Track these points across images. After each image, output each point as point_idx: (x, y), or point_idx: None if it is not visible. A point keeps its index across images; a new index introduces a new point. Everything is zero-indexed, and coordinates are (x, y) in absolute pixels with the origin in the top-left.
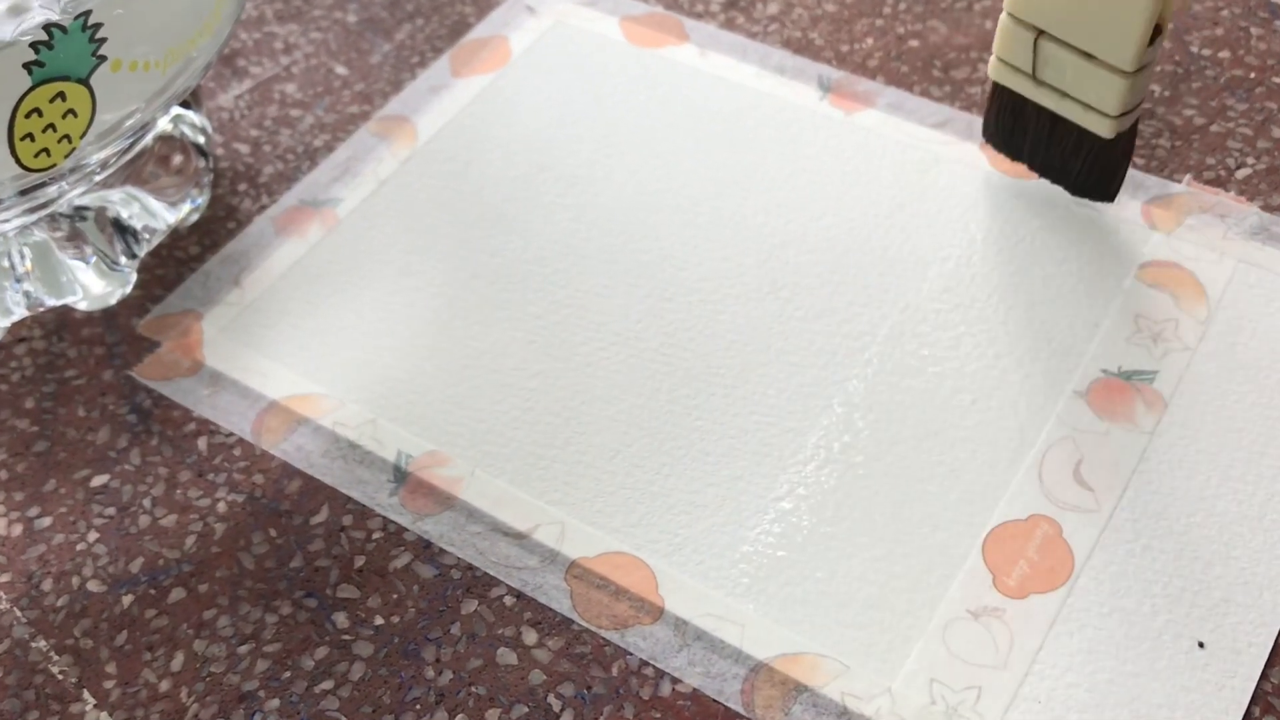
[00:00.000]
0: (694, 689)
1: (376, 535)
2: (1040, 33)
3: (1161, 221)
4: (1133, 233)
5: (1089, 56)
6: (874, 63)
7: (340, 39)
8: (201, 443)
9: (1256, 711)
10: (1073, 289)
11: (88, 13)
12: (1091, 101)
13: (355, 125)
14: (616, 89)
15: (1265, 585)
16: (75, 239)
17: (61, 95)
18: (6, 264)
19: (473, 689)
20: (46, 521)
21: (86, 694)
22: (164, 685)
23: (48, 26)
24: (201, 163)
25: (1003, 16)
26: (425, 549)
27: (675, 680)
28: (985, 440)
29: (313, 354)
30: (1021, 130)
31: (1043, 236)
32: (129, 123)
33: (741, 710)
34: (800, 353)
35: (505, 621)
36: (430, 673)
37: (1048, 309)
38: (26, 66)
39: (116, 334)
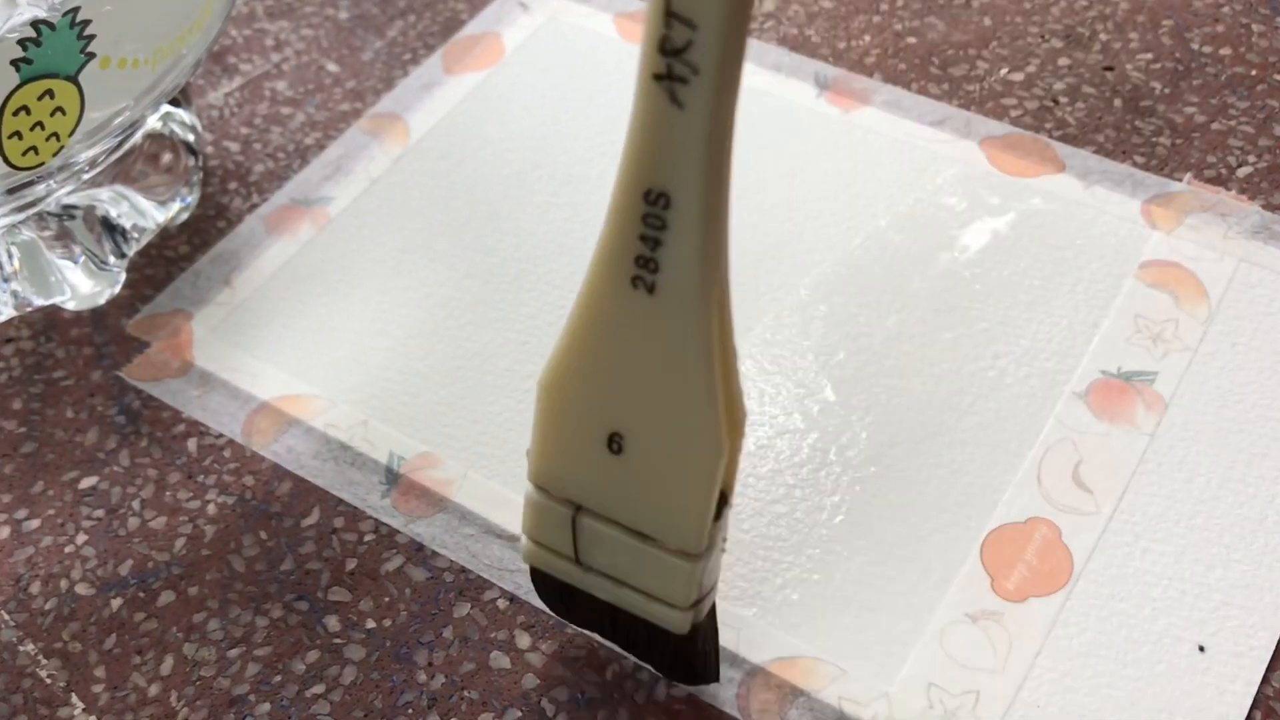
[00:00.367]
0: (689, 693)
1: (368, 538)
2: (579, 508)
3: (1161, 220)
4: (1132, 232)
5: (644, 537)
6: (871, 60)
7: (331, 36)
8: (191, 444)
9: (1258, 716)
10: (1071, 289)
11: (76, 9)
12: (654, 590)
13: (347, 123)
14: (611, 86)
15: (1267, 588)
16: (63, 238)
17: (49, 93)
18: None
19: (465, 693)
20: (34, 524)
21: (75, 698)
22: (153, 689)
23: (35, 23)
24: (191, 161)
25: (527, 487)
26: (417, 551)
27: (670, 685)
28: (983, 442)
29: (304, 354)
30: (581, 618)
31: (1041, 235)
32: (118, 120)
33: (737, 715)
34: (793, 354)
35: (498, 625)
36: (422, 677)
37: (1046, 309)
38: (14, 64)
39: (105, 334)
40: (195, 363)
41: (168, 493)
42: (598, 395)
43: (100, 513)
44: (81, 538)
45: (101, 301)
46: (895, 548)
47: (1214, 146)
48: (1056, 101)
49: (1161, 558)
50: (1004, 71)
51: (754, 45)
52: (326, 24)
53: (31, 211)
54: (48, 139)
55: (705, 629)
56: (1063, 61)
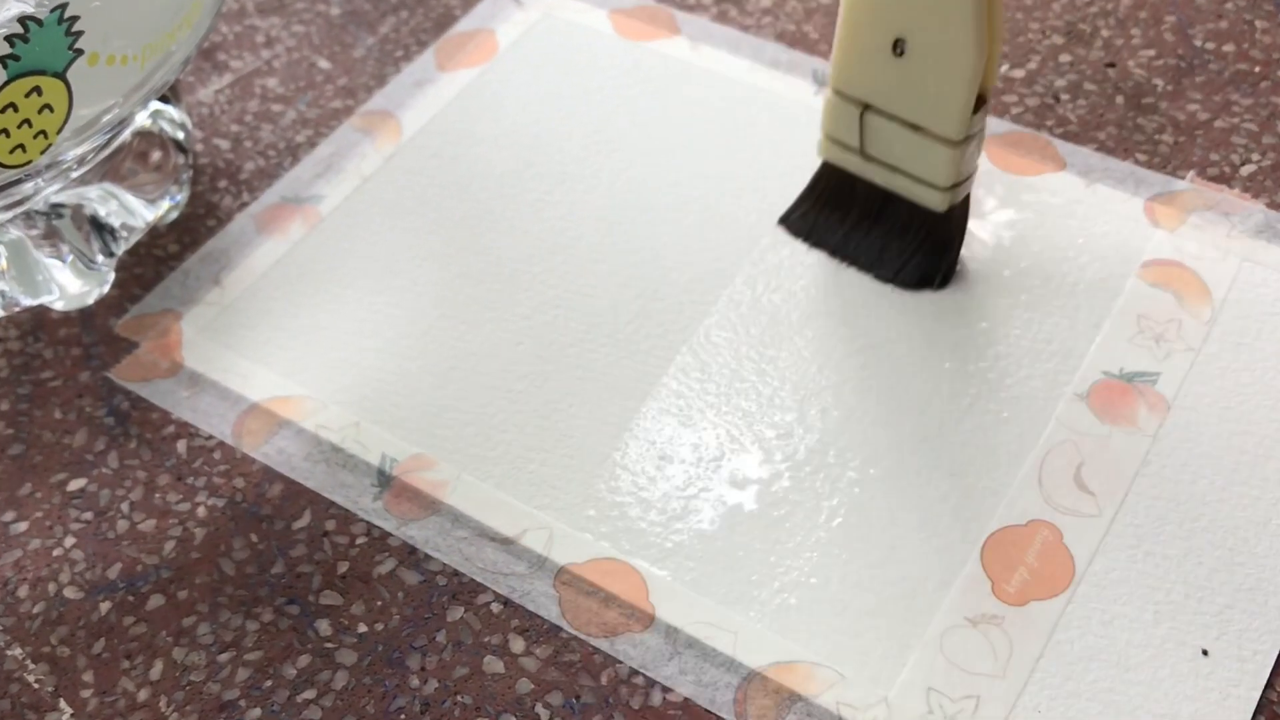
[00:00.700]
0: (685, 698)
1: (360, 540)
2: (866, 107)
3: (1164, 219)
4: (1135, 230)
5: (916, 128)
6: None
7: (323, 32)
8: (181, 446)
9: None
10: (1073, 288)
11: (64, 5)
12: (922, 174)
13: (338, 120)
14: (606, 83)
15: (1271, 592)
16: (51, 237)
17: (37, 90)
18: None
19: (459, 698)
20: (22, 526)
21: (63, 703)
22: (142, 694)
23: (23, 19)
24: (181, 159)
25: (827, 92)
26: (410, 554)
27: (666, 689)
28: (984, 444)
29: (295, 355)
30: (846, 211)
31: (1043, 235)
32: (106, 118)
33: None
34: (794, 355)
35: (492, 629)
36: (415, 681)
37: (1048, 309)
38: (1, 60)
39: (94, 334)
40: (185, 363)
41: (157, 495)
42: (887, 5)
43: (89, 515)
44: (70, 540)
45: (90, 301)
46: (894, 551)
47: (1217, 144)
48: (1058, 99)
49: (1164, 561)
50: (1005, 68)
51: (751, 42)
52: (318, 20)
53: (19, 210)
54: (35, 136)
55: (957, 217)
56: (1064, 58)
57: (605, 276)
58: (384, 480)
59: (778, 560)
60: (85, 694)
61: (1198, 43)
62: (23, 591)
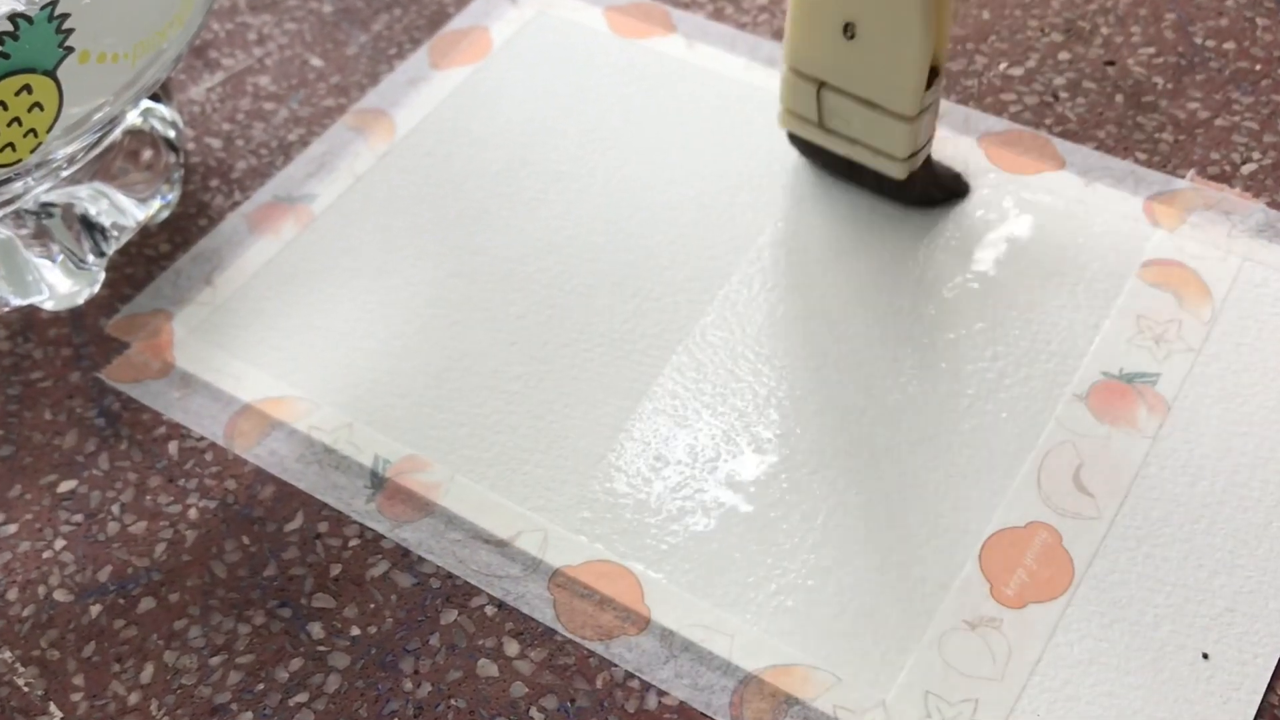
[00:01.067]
0: (681, 702)
1: (353, 543)
2: (822, 84)
3: (1164, 218)
4: (1134, 230)
5: (871, 105)
6: None
7: (315, 30)
8: (172, 447)
9: None
10: (1072, 288)
11: (54, 2)
12: (880, 146)
13: (331, 119)
14: (601, 82)
15: (1272, 595)
16: (41, 236)
17: (27, 88)
18: None
19: (452, 702)
20: (11, 529)
21: (53, 706)
22: (133, 698)
23: (12, 17)
24: (172, 158)
25: (783, 69)
26: (403, 557)
27: (662, 693)
28: (982, 445)
29: (287, 355)
30: (822, 163)
31: (1041, 234)
32: (97, 116)
33: None
34: (790, 354)
35: (486, 632)
36: (408, 685)
37: (1046, 309)
38: None
39: (84, 335)
40: (176, 364)
41: (148, 497)
42: None
43: (79, 517)
44: (60, 543)
45: (80, 301)
46: (892, 553)
47: (1217, 143)
48: (1057, 97)
49: (1164, 563)
50: (1003, 66)
51: (747, 39)
52: (310, 18)
53: (9, 209)
54: (25, 135)
55: (921, 175)
56: (1063, 56)
57: (600, 275)
58: (377, 482)
59: (774, 562)
60: (75, 697)
61: (1198, 40)
62: (12, 594)
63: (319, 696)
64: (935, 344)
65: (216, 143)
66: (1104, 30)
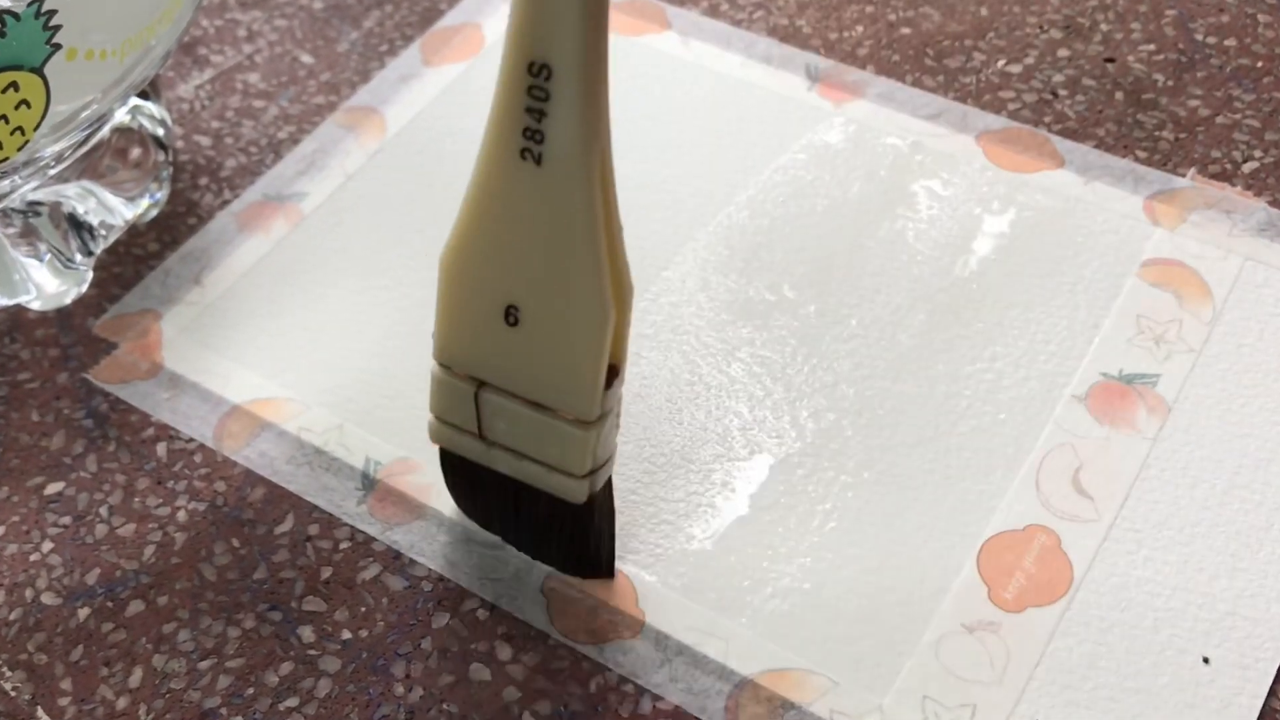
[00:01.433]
0: (676, 706)
1: (344, 545)
2: (481, 384)
3: (1164, 217)
4: (1134, 229)
5: (541, 408)
6: (864, 51)
7: (306, 26)
8: (161, 448)
9: None
10: (1071, 288)
11: None
12: (553, 461)
13: (321, 116)
14: None
15: (1274, 598)
16: (28, 235)
17: (14, 85)
18: None
19: (444, 706)
20: None
21: (41, 711)
22: (121, 702)
23: None
24: (161, 156)
25: (434, 366)
26: (395, 560)
27: (656, 697)
28: (980, 447)
29: (277, 356)
30: (484, 500)
31: (1040, 233)
32: (85, 114)
33: None
34: (786, 355)
35: (478, 636)
36: (400, 689)
37: (1045, 309)
38: None
39: (71, 335)
40: (165, 364)
41: (136, 499)
42: (493, 269)
43: (67, 519)
44: (47, 545)
45: (68, 301)
46: (889, 556)
47: (1219, 141)
48: (1056, 94)
49: (1164, 566)
50: (1001, 63)
51: (743, 36)
52: (300, 14)
53: None
54: (12, 133)
55: (601, 507)
56: (1062, 53)
57: None
58: (368, 484)
59: (770, 565)
60: (63, 702)
61: (1199, 37)
62: None
63: (309, 701)
64: (932, 345)
65: (206, 140)
66: (1103, 27)
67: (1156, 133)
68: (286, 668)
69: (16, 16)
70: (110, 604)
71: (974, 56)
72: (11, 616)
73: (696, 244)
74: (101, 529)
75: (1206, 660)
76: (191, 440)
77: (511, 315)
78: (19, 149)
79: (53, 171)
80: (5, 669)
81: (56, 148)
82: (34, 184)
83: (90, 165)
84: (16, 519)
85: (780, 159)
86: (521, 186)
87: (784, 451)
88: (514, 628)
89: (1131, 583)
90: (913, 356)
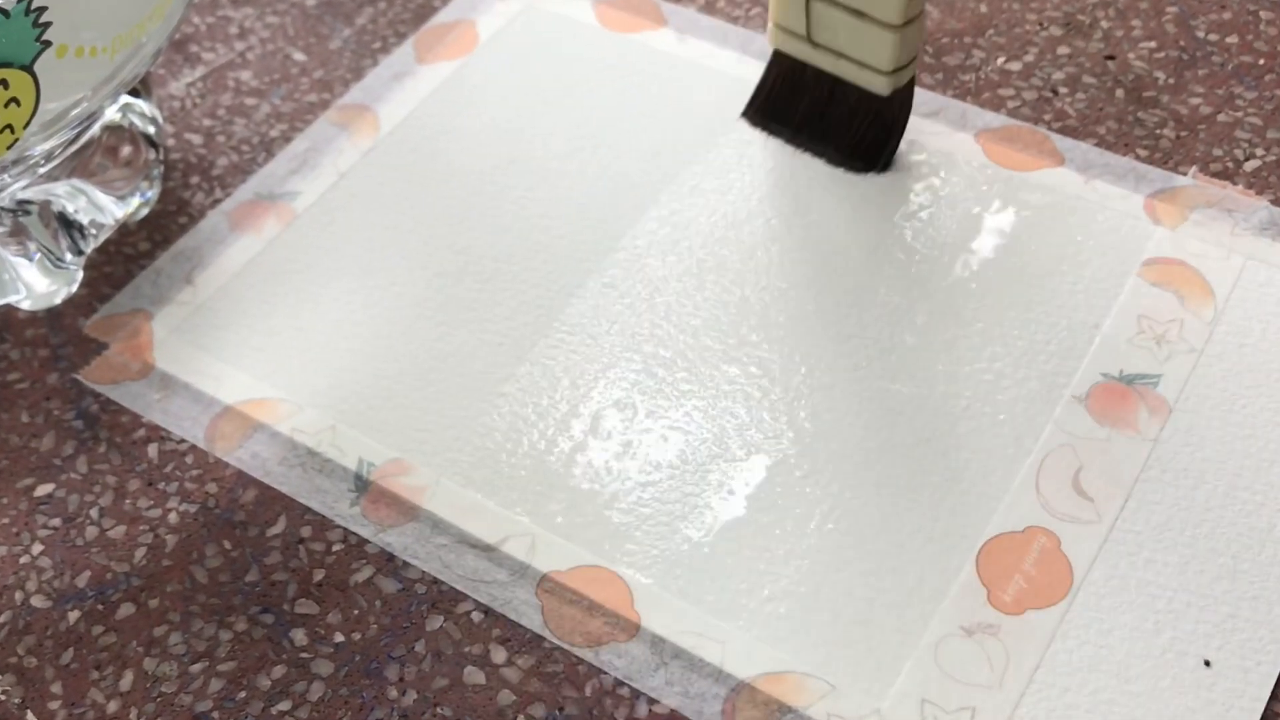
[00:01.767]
0: (672, 710)
1: (337, 547)
2: None
3: (1166, 216)
4: (1135, 228)
5: (858, 14)
6: None
7: (298, 23)
8: (152, 450)
9: None
10: (1071, 288)
11: None
12: (866, 59)
13: (314, 114)
14: (590, 76)
15: (1275, 600)
16: (18, 234)
17: (3, 83)
18: None
19: (438, 710)
20: None
21: (31, 715)
22: (112, 706)
23: None
24: (152, 154)
25: None
26: (388, 562)
27: (652, 701)
28: (979, 448)
29: (269, 356)
30: (798, 99)
31: (1040, 232)
32: (75, 112)
33: None
34: (783, 355)
35: (473, 639)
36: (393, 693)
37: (1045, 309)
38: None
39: (62, 335)
40: (156, 365)
41: (127, 501)
42: None
43: (57, 521)
44: (37, 548)
45: (58, 301)
46: (887, 558)
47: (1220, 139)
48: (1056, 92)
49: (1165, 568)
50: (1001, 61)
51: (740, 33)
52: (293, 11)
53: None
54: (1, 131)
55: (900, 100)
56: (1062, 50)
57: (588, 276)
58: (361, 485)
59: (767, 568)
60: (53, 705)
61: (1200, 34)
62: None
63: (302, 704)
64: (931, 345)
65: (197, 139)
66: (1104, 24)
67: (1157, 131)
68: (279, 671)
69: (6, 13)
70: (101, 607)
71: (973, 54)
72: (1, 620)
73: (693, 243)
74: (92, 531)
75: (1208, 663)
76: (183, 441)
77: None
78: (8, 147)
79: (43, 170)
80: None
81: (46, 146)
82: (24, 182)
83: (81, 163)
84: (6, 521)
85: (776, 158)
86: None
87: (781, 453)
88: (509, 630)
89: (1132, 585)
90: (911, 357)
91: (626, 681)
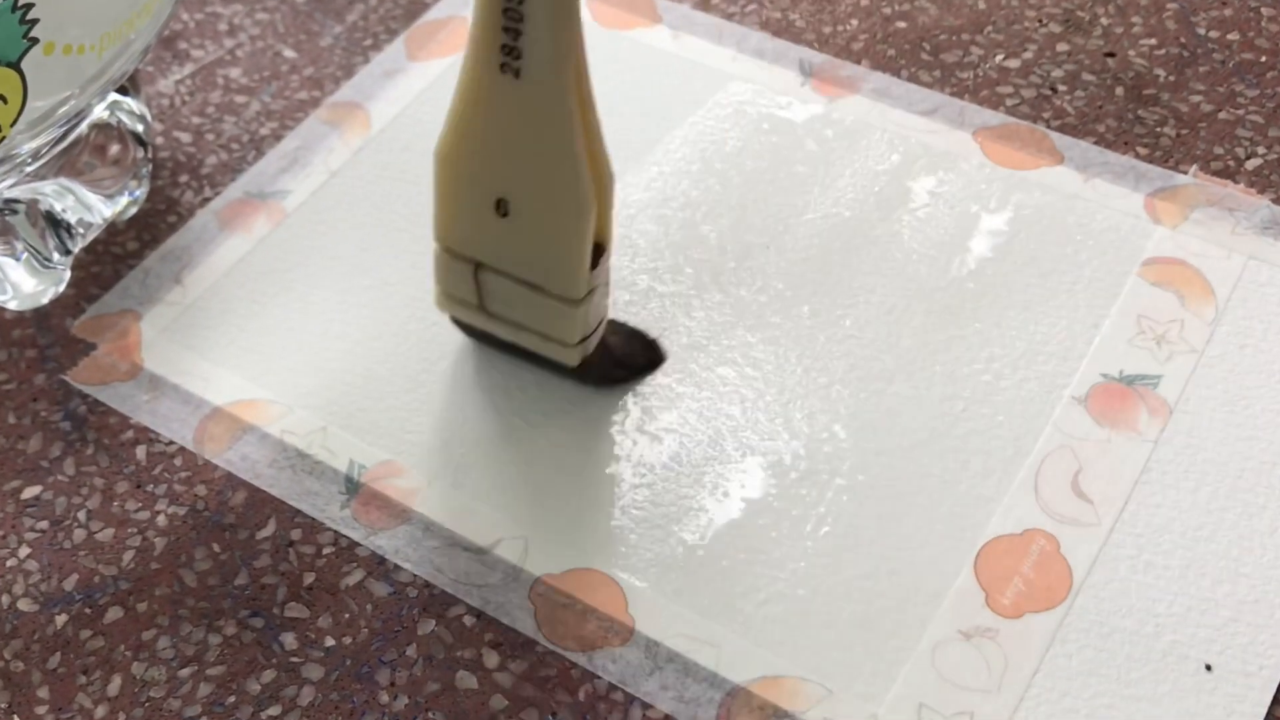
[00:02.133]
0: (666, 715)
1: (327, 550)
2: (479, 264)
3: (1166, 215)
4: (1135, 227)
5: (534, 287)
6: (859, 46)
7: (288, 20)
8: (140, 452)
9: None
10: (1071, 287)
11: None
12: (548, 331)
13: (304, 112)
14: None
15: (1277, 604)
16: (5, 234)
17: None
18: None
19: (430, 715)
20: None
21: None
22: (100, 711)
23: None
24: (140, 152)
25: (435, 247)
26: (379, 565)
27: (646, 705)
28: (978, 449)
29: (259, 357)
30: (495, 345)
31: (1039, 231)
32: (63, 110)
33: None
34: (779, 355)
35: (465, 643)
36: (385, 697)
37: (1044, 309)
38: None
39: (49, 335)
40: (144, 366)
41: (115, 503)
42: (482, 168)
43: (44, 524)
44: (24, 550)
45: (45, 301)
46: (884, 561)
47: (1221, 137)
48: (1055, 90)
49: (1166, 571)
50: (999, 58)
51: (735, 30)
52: (283, 8)
53: None
54: None
55: (600, 358)
56: (1061, 47)
57: None
58: (352, 487)
59: (763, 571)
60: (40, 710)
61: (1201, 31)
62: None
63: (292, 709)
64: (929, 345)
65: (186, 137)
66: (1104, 21)
67: (1158, 129)
68: (269, 675)
69: None
70: (88, 610)
71: (971, 51)
72: None
73: (686, 242)
74: (80, 534)
75: (1209, 667)
76: (172, 443)
77: (502, 207)
78: None
79: (30, 168)
80: None
81: (33, 144)
82: (10, 181)
83: (68, 162)
84: None
85: (773, 156)
86: (503, 97)
87: (777, 455)
88: (501, 634)
89: (1132, 588)
90: (909, 357)
91: (620, 686)
